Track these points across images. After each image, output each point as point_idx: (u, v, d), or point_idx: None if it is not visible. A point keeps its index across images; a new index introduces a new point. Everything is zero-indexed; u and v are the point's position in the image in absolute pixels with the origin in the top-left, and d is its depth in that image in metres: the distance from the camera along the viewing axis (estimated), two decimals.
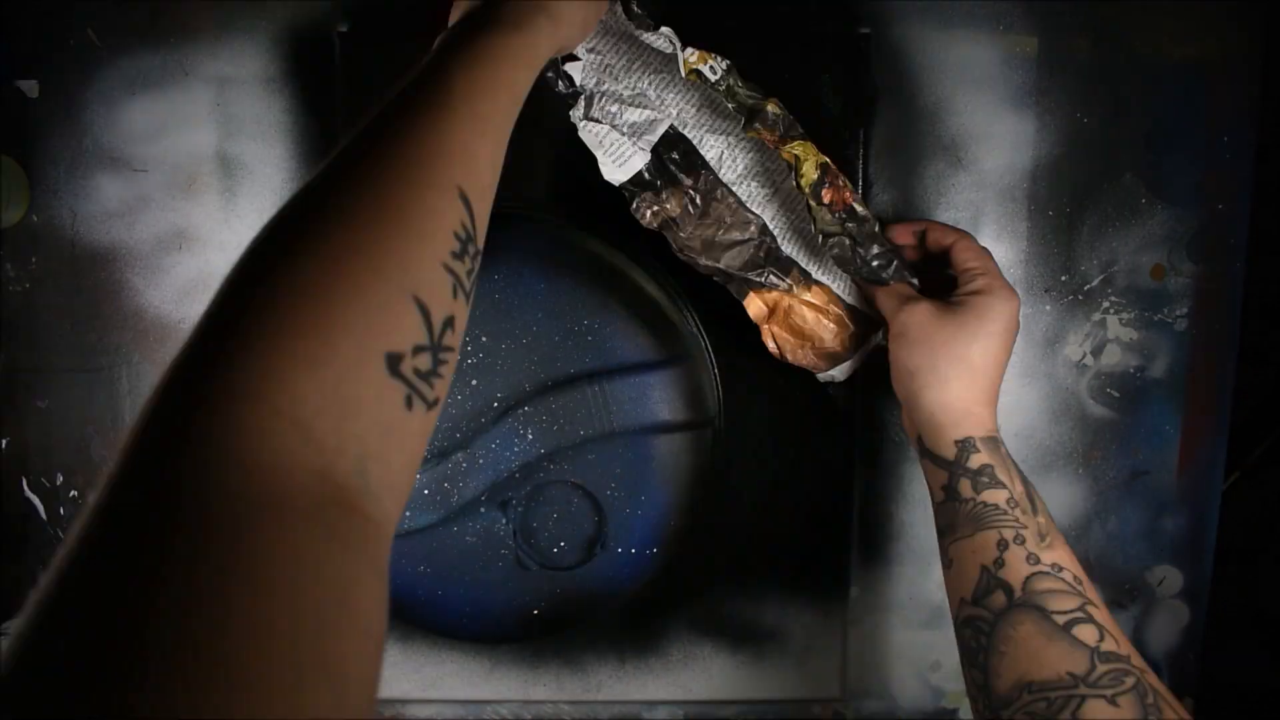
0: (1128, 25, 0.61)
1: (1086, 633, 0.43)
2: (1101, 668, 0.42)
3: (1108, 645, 0.43)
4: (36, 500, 0.65)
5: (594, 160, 0.56)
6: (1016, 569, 0.46)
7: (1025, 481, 0.49)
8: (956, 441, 0.49)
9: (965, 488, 0.49)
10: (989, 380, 0.51)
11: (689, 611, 0.64)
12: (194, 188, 0.62)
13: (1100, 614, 0.45)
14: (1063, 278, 0.63)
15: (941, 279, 0.56)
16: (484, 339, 0.55)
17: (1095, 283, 0.63)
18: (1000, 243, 0.62)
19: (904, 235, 0.57)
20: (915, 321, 0.51)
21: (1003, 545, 0.46)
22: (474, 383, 0.55)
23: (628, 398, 0.54)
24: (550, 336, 0.54)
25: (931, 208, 0.62)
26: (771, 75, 0.57)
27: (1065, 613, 0.44)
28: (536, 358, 0.55)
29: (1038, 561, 0.46)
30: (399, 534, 0.55)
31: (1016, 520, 0.47)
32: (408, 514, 0.55)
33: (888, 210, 0.62)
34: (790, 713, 0.66)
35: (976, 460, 0.49)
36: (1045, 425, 0.64)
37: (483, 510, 0.56)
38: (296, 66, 0.61)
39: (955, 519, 0.49)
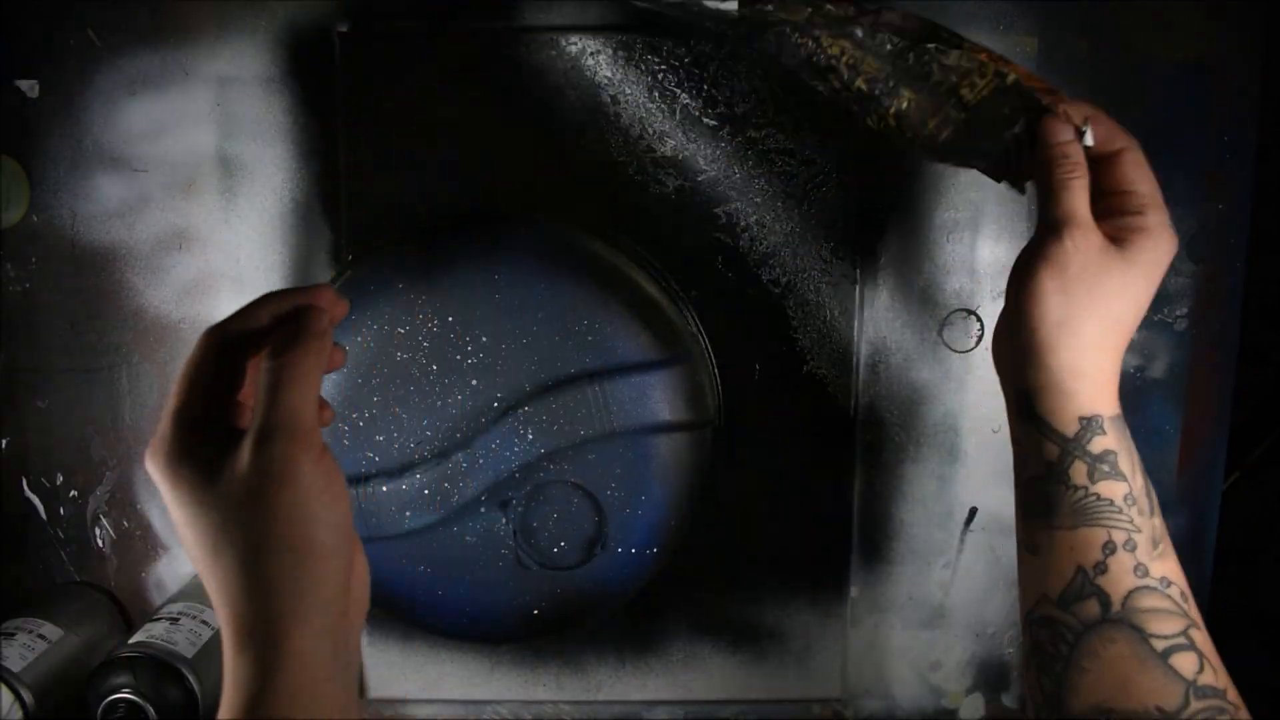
0: (1127, 25, 0.61)
1: (1185, 662, 0.39)
2: (1195, 705, 0.38)
3: (1205, 678, 0.39)
4: (36, 500, 0.65)
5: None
6: (1120, 579, 0.40)
7: (1145, 474, 0.43)
8: (1082, 418, 0.41)
9: (1079, 473, 0.41)
10: (1125, 343, 0.43)
11: (689, 611, 0.64)
12: (194, 188, 0.62)
13: (1201, 638, 0.40)
14: None
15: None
16: (484, 339, 0.55)
17: None
18: (1000, 243, 0.62)
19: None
20: (1084, 253, 0.42)
21: (1109, 549, 0.40)
22: (474, 383, 0.55)
23: (628, 398, 0.54)
24: (550, 336, 0.54)
25: (931, 207, 0.62)
26: (773, 75, 0.56)
27: (1166, 637, 0.39)
28: (536, 358, 0.55)
29: (1146, 574, 0.40)
30: (400, 535, 0.56)
31: (1130, 522, 0.41)
32: (408, 514, 0.56)
33: (888, 209, 0.62)
34: (790, 713, 0.66)
35: (1100, 444, 0.41)
36: None
37: (483, 510, 0.56)
38: (296, 66, 0.61)
39: (1056, 505, 0.41)
